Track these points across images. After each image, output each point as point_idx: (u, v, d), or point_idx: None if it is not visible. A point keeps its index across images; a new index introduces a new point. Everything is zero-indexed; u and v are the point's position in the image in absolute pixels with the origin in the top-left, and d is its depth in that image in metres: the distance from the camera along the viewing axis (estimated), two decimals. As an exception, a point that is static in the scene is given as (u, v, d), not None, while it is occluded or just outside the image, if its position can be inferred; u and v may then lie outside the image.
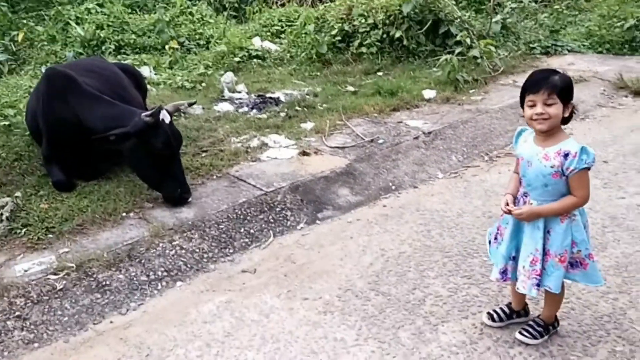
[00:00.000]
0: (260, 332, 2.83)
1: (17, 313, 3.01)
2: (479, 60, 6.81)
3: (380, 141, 4.97)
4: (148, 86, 5.79)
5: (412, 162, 4.67)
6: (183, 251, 3.53)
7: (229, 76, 6.81)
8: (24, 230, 3.68)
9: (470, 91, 6.31)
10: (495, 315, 2.72)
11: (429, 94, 6.19)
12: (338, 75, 7.08)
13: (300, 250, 3.58)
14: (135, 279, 3.30)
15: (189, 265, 3.45)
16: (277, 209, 4.00)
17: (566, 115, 2.34)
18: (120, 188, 4.14)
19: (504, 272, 2.54)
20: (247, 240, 3.71)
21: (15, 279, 3.23)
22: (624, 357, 2.53)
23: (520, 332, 2.61)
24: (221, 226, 3.77)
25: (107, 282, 3.25)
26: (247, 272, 3.39)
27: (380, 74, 7.07)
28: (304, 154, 4.82)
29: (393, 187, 4.33)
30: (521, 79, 6.78)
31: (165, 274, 3.36)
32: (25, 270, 3.30)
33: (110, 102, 4.02)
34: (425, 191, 4.29)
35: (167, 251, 3.51)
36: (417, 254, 3.40)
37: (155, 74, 6.94)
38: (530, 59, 7.51)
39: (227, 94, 6.43)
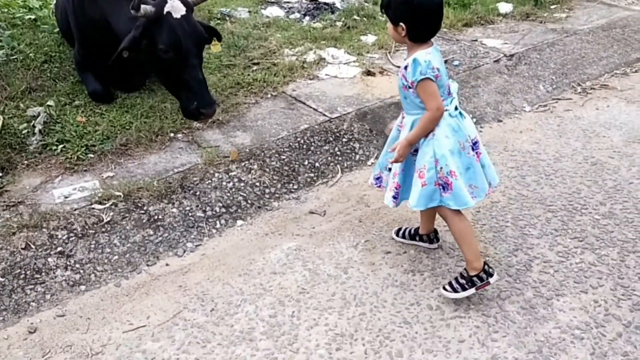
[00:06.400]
0: (339, 291, 2.44)
1: (60, 248, 2.64)
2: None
3: (456, 63, 4.35)
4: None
5: (494, 91, 4.07)
6: (242, 184, 3.10)
7: (275, -26, 6.02)
8: (60, 147, 3.25)
9: (552, 7, 5.51)
10: (401, 232, 2.73)
11: (505, 7, 5.43)
12: (398, -20, 6.24)
13: (373, 192, 3.12)
14: (190, 214, 2.89)
15: (249, 202, 3.02)
16: (344, 140, 3.50)
17: (402, 34, 2.18)
18: (165, 103, 3.63)
19: (378, 179, 2.54)
20: (312, 175, 3.25)
21: (54, 206, 2.84)
22: None
23: (443, 287, 2.39)
24: (282, 157, 3.30)
25: (160, 217, 2.85)
26: (315, 214, 2.97)
27: (446, -19, 6.23)
28: (368, 73, 4.23)
29: (474, 120, 3.76)
30: (610, -5, 6.00)
31: (223, 210, 2.95)
32: (66, 197, 2.91)
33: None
34: (512, 126, 3.73)
35: (223, 183, 3.08)
36: (513, 206, 2.93)
37: (192, -32, 6.16)
38: (616, -29, 6.55)
39: (274, -5, 5.70)
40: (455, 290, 2.35)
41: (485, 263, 2.33)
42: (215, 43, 3.35)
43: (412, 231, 2.69)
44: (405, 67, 2.20)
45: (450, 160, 2.21)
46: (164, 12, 2.99)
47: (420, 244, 2.68)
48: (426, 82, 2.15)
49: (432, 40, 2.23)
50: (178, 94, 3.24)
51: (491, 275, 2.32)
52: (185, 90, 3.13)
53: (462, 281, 2.35)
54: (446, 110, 2.22)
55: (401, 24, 2.16)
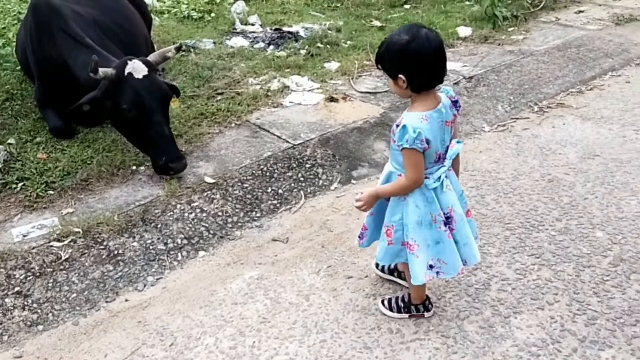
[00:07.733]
0: (301, 319, 2.44)
1: (17, 288, 2.60)
2: (517, -7, 6.13)
3: (417, 86, 4.43)
4: (151, 15, 5.13)
5: (454, 112, 4.15)
6: (204, 214, 3.09)
7: (240, 5, 6.14)
8: (20, 185, 3.23)
9: (510, 29, 5.69)
10: (380, 265, 2.61)
11: (464, 31, 5.58)
12: (361, 7, 6.41)
13: (337, 216, 3.15)
14: (151, 247, 2.88)
15: (211, 232, 3.02)
16: (307, 166, 3.53)
17: (404, 87, 2.00)
18: (127, 137, 3.63)
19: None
20: (275, 202, 3.27)
21: (12, 245, 2.80)
22: None
23: (382, 301, 2.46)
24: (245, 185, 3.31)
25: (120, 251, 2.83)
26: (278, 241, 2.97)
27: (407, 7, 6.42)
28: (331, 99, 4.30)
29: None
30: (564, 16, 6.20)
31: (185, 241, 2.94)
32: (24, 235, 2.87)
33: (92, 48, 3.26)
34: (472, 147, 3.81)
35: (185, 214, 3.07)
36: (472, 225, 2.97)
37: (157, 1, 6.24)
38: (571, -8, 6.80)
39: (239, 26, 5.79)
40: (391, 310, 2.42)
41: (427, 298, 2.40)
42: (174, 99, 3.38)
43: (392, 266, 2.57)
44: (397, 125, 2.03)
45: (414, 232, 2.11)
46: (125, 74, 3.04)
47: (398, 280, 2.57)
48: (411, 152, 1.99)
49: (440, 93, 2.08)
50: (146, 150, 3.33)
51: (428, 310, 2.39)
52: (153, 146, 3.24)
53: (401, 304, 2.42)
54: (426, 178, 2.08)
55: (400, 75, 1.97)
